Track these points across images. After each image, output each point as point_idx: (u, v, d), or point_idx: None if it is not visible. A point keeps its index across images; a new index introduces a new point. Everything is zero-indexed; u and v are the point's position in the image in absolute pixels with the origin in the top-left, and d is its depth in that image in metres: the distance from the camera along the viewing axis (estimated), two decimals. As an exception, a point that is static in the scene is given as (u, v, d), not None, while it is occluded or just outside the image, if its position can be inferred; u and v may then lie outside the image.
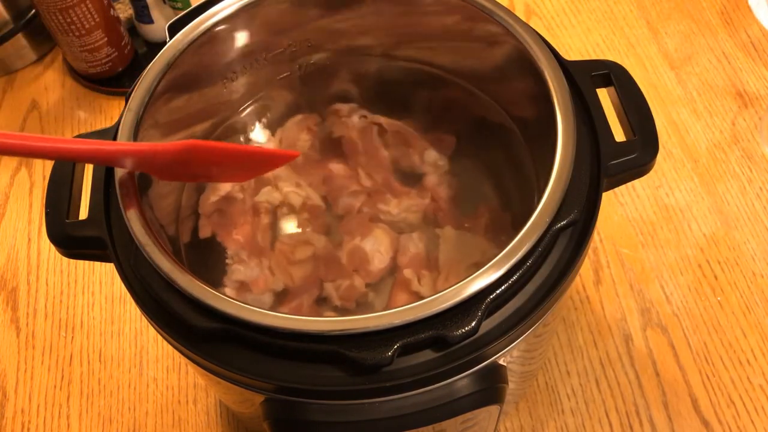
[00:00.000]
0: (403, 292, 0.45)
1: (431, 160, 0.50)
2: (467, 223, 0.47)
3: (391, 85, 0.54)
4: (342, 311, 0.45)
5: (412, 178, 0.51)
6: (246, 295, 0.46)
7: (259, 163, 0.42)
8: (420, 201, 0.48)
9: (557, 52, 0.41)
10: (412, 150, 0.51)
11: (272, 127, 0.53)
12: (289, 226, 0.50)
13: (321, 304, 0.46)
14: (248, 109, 0.52)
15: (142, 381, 0.58)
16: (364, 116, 0.52)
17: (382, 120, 0.51)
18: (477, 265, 0.33)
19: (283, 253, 0.47)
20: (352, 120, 0.51)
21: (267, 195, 0.48)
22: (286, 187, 0.48)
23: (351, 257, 0.46)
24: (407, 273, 0.45)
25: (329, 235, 0.49)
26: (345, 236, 0.47)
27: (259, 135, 0.52)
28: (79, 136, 0.39)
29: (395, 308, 0.32)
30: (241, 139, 0.52)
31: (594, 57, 0.75)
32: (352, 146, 0.51)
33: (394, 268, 0.47)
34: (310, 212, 0.49)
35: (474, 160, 0.51)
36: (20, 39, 0.79)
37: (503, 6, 0.43)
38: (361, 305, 0.46)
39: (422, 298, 0.42)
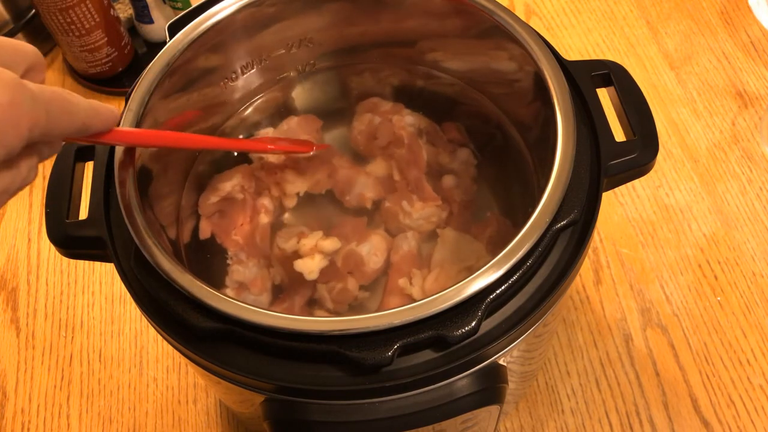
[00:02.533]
0: (394, 296, 0.45)
1: (463, 158, 0.50)
2: (474, 229, 0.47)
3: (390, 86, 0.54)
4: (334, 314, 0.45)
5: (439, 177, 0.50)
6: (245, 296, 0.46)
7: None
8: (440, 212, 0.48)
9: (557, 52, 0.41)
10: (442, 149, 0.51)
11: (273, 127, 0.53)
12: (289, 226, 0.50)
13: (312, 305, 0.46)
14: (249, 109, 0.52)
15: (142, 381, 0.58)
16: (409, 115, 0.52)
17: (422, 120, 0.51)
18: (469, 269, 0.33)
19: (282, 248, 0.47)
20: (404, 119, 0.51)
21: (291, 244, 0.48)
22: (316, 240, 0.48)
23: (346, 261, 0.46)
24: (401, 281, 0.45)
25: (327, 234, 0.49)
26: (341, 240, 0.47)
27: (259, 134, 0.52)
28: None
29: (395, 308, 0.32)
30: (242, 138, 0.52)
31: (594, 57, 0.75)
32: (396, 141, 0.51)
33: (387, 267, 0.47)
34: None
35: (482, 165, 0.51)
36: (20, 39, 0.78)
37: (503, 6, 0.43)
38: (354, 308, 0.46)
39: (414, 299, 0.41)
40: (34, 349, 0.61)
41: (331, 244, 0.47)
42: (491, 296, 0.33)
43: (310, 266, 0.46)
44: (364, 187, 0.50)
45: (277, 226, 0.50)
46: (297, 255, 0.47)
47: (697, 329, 0.57)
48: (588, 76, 0.42)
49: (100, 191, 0.39)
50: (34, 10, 0.77)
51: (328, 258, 0.47)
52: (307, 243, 0.47)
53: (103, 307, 0.62)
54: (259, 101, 0.52)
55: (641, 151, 0.39)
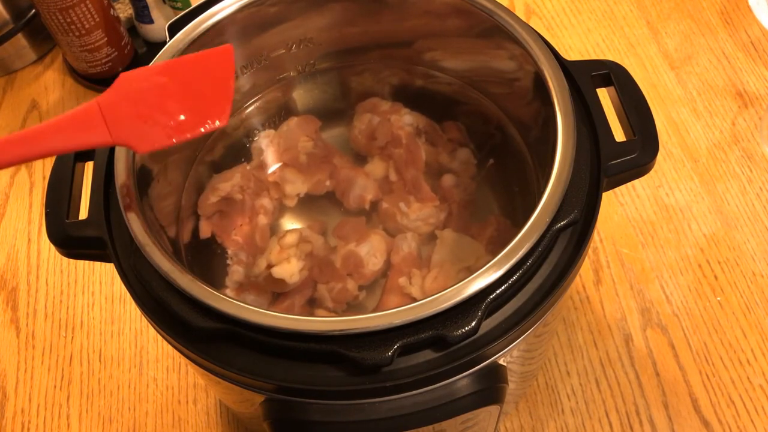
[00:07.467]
0: (394, 294, 0.45)
1: (463, 157, 0.50)
2: (474, 229, 0.47)
3: (390, 85, 0.54)
4: (334, 314, 0.45)
5: (438, 177, 0.50)
6: (245, 296, 0.46)
7: (209, 80, 0.35)
8: (438, 213, 0.48)
9: (557, 52, 0.41)
10: (441, 148, 0.51)
11: (273, 127, 0.53)
12: (289, 226, 0.50)
13: (312, 305, 0.46)
14: (249, 109, 0.52)
15: (142, 381, 0.58)
16: (408, 114, 0.51)
17: (421, 119, 0.51)
18: (469, 270, 0.33)
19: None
20: (403, 119, 0.51)
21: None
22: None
23: (345, 262, 0.46)
24: (401, 280, 0.45)
25: (326, 236, 0.49)
26: (339, 241, 0.47)
27: (259, 134, 0.52)
28: None
29: (395, 308, 0.32)
30: (243, 139, 0.52)
31: (594, 57, 0.75)
32: (395, 141, 0.50)
33: (386, 269, 0.47)
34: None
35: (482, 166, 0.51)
36: (20, 39, 0.79)
37: (503, 6, 0.43)
38: (353, 307, 0.46)
39: (413, 299, 0.41)
40: (34, 349, 0.61)
41: (291, 236, 0.46)
42: (491, 296, 0.33)
43: (288, 270, 0.46)
44: (365, 188, 0.50)
45: (276, 226, 0.50)
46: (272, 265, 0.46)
47: (697, 329, 0.57)
48: (588, 76, 0.42)
49: (100, 191, 0.39)
50: (34, 10, 0.77)
51: (306, 256, 0.46)
52: (274, 249, 0.46)
53: (103, 307, 0.62)
54: (259, 101, 0.52)
55: (641, 151, 0.39)
